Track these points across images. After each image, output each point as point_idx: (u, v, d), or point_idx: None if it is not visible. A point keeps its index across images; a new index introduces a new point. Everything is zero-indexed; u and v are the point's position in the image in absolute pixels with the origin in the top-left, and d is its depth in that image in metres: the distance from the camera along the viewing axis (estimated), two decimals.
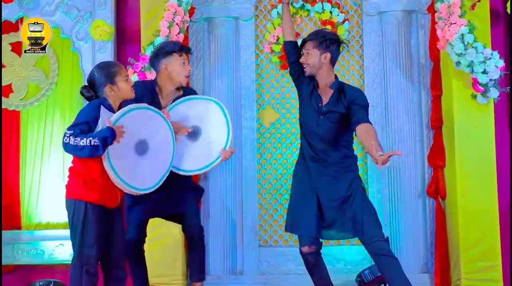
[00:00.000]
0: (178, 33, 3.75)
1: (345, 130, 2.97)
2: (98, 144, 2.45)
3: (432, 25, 3.88)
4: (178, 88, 3.06)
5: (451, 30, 3.59)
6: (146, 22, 3.89)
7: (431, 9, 3.87)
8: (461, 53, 3.55)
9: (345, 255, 3.99)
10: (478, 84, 3.57)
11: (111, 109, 2.63)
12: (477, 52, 3.53)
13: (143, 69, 3.71)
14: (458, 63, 3.60)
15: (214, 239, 3.99)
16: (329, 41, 3.00)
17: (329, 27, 4.07)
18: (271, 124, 4.18)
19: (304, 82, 3.09)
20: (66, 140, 2.49)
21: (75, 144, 2.46)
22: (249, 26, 4.20)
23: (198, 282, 3.14)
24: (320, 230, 2.95)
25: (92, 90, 2.68)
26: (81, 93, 2.71)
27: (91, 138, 2.46)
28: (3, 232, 3.78)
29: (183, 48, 3.08)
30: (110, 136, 2.49)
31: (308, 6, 4.13)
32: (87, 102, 2.69)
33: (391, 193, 4.00)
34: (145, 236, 3.11)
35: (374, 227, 2.84)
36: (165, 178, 2.81)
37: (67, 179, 2.70)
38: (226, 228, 4.01)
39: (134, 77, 3.72)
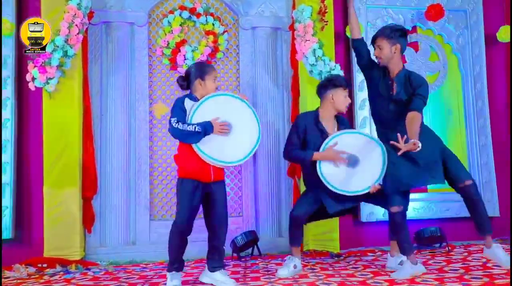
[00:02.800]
0: (78, 34, 3.68)
1: None
2: (200, 131, 2.66)
3: (292, 41, 4.11)
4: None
5: (306, 46, 3.86)
6: (47, 21, 3.73)
7: (292, 28, 4.13)
8: (313, 64, 3.84)
9: None
10: None
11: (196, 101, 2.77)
12: (324, 64, 3.82)
13: (43, 64, 3.60)
14: (311, 71, 3.89)
15: (111, 214, 3.96)
16: (397, 33, 2.98)
17: (211, 36, 4.24)
18: (161, 116, 4.22)
19: (375, 72, 3.07)
20: (175, 125, 2.65)
21: (183, 128, 2.65)
22: (143, 31, 4.19)
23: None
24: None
25: (186, 80, 2.81)
26: (177, 80, 2.89)
27: (196, 126, 2.67)
28: None
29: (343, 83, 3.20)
30: (209, 128, 2.69)
31: (194, 17, 4.22)
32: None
33: (271, 176, 4.18)
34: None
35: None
36: (254, 152, 2.86)
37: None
38: (122, 204, 3.98)
39: (34, 72, 3.62)
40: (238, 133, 2.81)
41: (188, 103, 2.78)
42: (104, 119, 4.07)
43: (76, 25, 3.66)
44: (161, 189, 4.18)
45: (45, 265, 3.53)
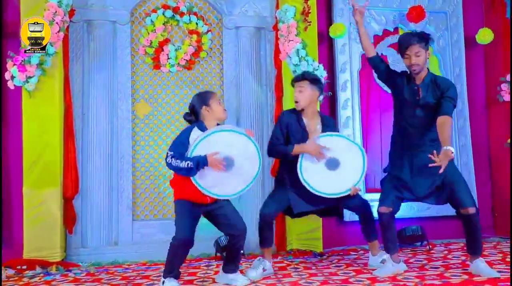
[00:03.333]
0: (58, 32, 3.62)
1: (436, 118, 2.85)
2: (193, 167, 2.67)
3: (276, 41, 4.11)
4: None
5: (290, 46, 3.86)
6: (26, 19, 3.64)
7: (275, 28, 4.13)
8: (296, 64, 3.82)
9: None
10: None
11: (205, 130, 2.75)
12: (308, 64, 3.83)
13: (23, 63, 3.53)
14: (294, 71, 3.84)
15: (93, 214, 3.91)
16: (429, 40, 2.96)
17: (195, 36, 4.21)
18: (144, 116, 4.18)
19: (397, 81, 3.02)
20: (168, 160, 2.71)
21: (176, 164, 2.68)
22: (125, 29, 4.14)
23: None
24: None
25: (192, 114, 2.82)
26: (184, 117, 2.91)
27: (188, 162, 2.68)
28: None
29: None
30: (202, 162, 2.69)
31: (177, 16, 4.18)
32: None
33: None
34: None
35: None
36: (250, 187, 2.89)
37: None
38: (104, 204, 3.93)
39: (13, 70, 3.54)
40: (238, 168, 2.81)
41: (194, 134, 2.78)
42: (86, 118, 4.01)
43: (57, 23, 3.60)
44: (144, 189, 4.14)
45: (24, 267, 3.46)
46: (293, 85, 3.27)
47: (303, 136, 3.16)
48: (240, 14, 4.32)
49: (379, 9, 4.52)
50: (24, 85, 3.59)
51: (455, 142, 4.51)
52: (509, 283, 2.66)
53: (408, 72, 3.05)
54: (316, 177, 3.08)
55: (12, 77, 3.57)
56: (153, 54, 4.18)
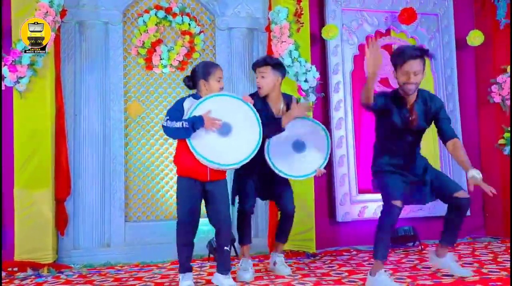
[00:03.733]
0: (50, 32, 3.57)
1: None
2: (188, 126, 2.62)
3: (269, 42, 4.10)
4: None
5: (282, 47, 3.87)
6: (17, 18, 3.62)
7: (268, 29, 4.12)
8: (289, 65, 3.82)
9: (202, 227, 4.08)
10: (301, 90, 3.88)
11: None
12: (300, 65, 3.84)
13: (13, 63, 3.50)
14: (287, 72, 3.76)
15: (85, 216, 3.88)
16: (431, 59, 2.80)
17: (187, 37, 4.21)
18: (137, 116, 4.16)
19: (389, 105, 2.76)
20: (164, 123, 2.67)
21: (171, 125, 2.64)
22: (117, 30, 4.12)
23: (284, 243, 3.28)
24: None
25: (191, 80, 2.79)
26: (183, 80, 2.88)
27: (183, 122, 2.64)
28: None
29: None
30: (197, 122, 2.65)
31: (170, 17, 4.17)
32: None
33: None
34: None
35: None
36: (253, 155, 2.77)
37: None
38: (96, 205, 3.91)
39: (4, 70, 3.51)
40: (236, 135, 2.74)
41: (187, 103, 2.75)
42: (78, 119, 3.98)
43: (48, 23, 3.56)
44: (136, 190, 4.12)
45: (15, 269, 3.43)
46: (254, 70, 3.16)
47: (267, 119, 3.05)
48: (233, 15, 4.32)
49: (371, 10, 4.53)
50: (15, 86, 3.55)
51: None
52: (500, 283, 2.67)
53: (395, 92, 2.82)
54: (283, 160, 3.04)
55: (3, 78, 3.53)
56: (146, 55, 4.16)
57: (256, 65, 3.14)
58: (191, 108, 2.71)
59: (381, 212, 2.75)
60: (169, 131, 2.70)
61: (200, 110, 2.71)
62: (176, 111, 2.74)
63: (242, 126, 2.77)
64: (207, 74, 2.79)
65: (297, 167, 3.07)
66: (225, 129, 2.73)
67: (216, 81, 2.80)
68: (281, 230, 3.25)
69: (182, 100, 2.80)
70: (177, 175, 2.83)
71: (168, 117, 2.69)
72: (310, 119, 3.27)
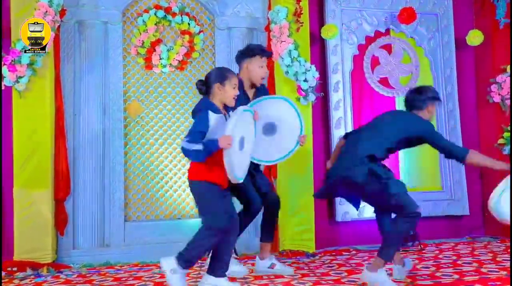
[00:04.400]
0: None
1: None
2: (200, 149, 2.49)
3: (268, 41, 4.09)
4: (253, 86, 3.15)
5: (282, 47, 3.85)
6: (17, 18, 3.62)
7: (268, 29, 4.12)
8: (289, 65, 3.83)
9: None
10: (301, 90, 3.87)
11: (217, 112, 2.61)
12: (300, 65, 3.82)
13: (13, 62, 3.49)
14: (287, 72, 3.87)
15: (84, 216, 3.87)
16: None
17: (187, 36, 4.20)
18: (136, 116, 4.15)
19: None
20: (182, 144, 2.55)
21: (187, 148, 2.51)
22: (117, 29, 4.11)
23: (269, 242, 3.22)
24: None
25: (205, 85, 2.67)
26: (196, 85, 2.72)
27: (199, 145, 2.51)
28: None
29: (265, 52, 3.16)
30: (213, 146, 2.51)
31: (169, 17, 4.17)
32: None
33: None
34: None
35: None
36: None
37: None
38: (96, 205, 3.90)
39: (4, 70, 3.50)
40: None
41: (212, 118, 2.59)
42: (77, 119, 3.97)
43: (48, 22, 3.55)
44: (136, 190, 4.11)
45: (15, 269, 3.42)
46: (261, 56, 3.15)
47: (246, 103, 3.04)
48: (232, 15, 4.31)
49: (370, 10, 4.53)
50: (14, 86, 3.55)
51: None
52: (499, 283, 2.67)
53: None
54: (259, 149, 2.98)
55: (3, 77, 3.53)
56: (145, 54, 4.15)
57: (268, 55, 3.25)
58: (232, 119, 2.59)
59: (403, 220, 2.71)
60: (185, 153, 2.55)
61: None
62: (198, 134, 2.55)
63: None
64: (224, 78, 2.68)
65: (275, 149, 3.08)
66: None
67: (231, 88, 2.70)
68: (267, 226, 3.16)
69: (206, 117, 2.59)
70: (200, 180, 2.62)
71: (188, 139, 2.52)
72: (272, 97, 3.24)
